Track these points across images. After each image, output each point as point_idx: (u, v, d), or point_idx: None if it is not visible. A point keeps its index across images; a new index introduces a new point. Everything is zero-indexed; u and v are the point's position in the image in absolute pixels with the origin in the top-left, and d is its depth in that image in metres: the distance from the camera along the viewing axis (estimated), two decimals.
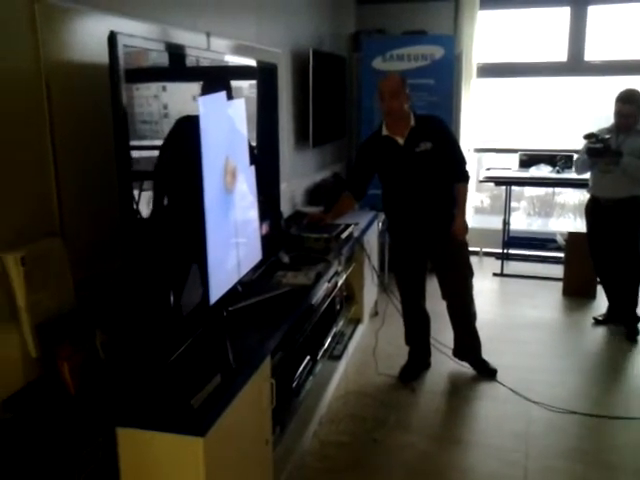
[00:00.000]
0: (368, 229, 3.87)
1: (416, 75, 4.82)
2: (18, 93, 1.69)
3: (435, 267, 3.38)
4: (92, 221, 1.98)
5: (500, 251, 5.45)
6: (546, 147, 5.67)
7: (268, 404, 2.14)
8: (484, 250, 5.72)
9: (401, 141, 3.14)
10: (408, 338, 3.51)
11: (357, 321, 3.94)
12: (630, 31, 5.23)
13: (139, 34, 1.87)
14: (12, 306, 1.66)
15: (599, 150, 3.75)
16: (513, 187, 5.46)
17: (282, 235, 3.14)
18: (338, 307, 3.46)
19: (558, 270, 5.02)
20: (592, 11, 5.22)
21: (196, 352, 1.93)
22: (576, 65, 5.36)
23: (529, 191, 6.70)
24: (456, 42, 5.16)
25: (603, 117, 4.09)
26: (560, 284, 4.81)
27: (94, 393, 1.69)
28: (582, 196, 5.37)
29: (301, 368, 2.80)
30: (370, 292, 4.10)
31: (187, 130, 1.92)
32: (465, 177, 3.25)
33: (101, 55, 1.82)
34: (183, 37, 2.46)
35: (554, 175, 5.18)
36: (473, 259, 3.40)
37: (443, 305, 3.42)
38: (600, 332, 4.09)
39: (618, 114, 3.77)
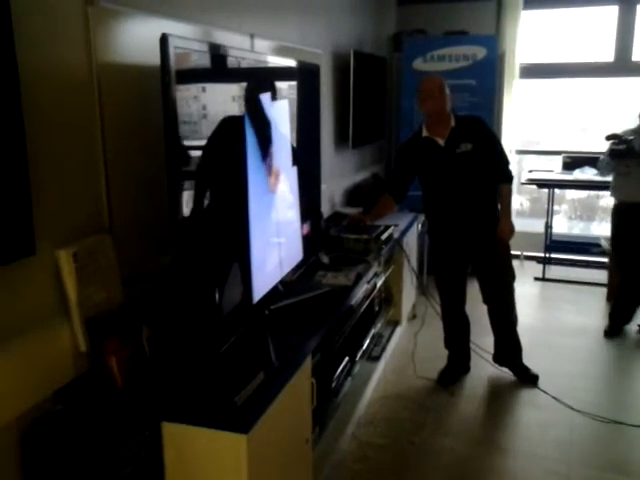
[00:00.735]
0: (407, 231, 3.85)
1: (457, 76, 4.78)
2: (72, 94, 1.73)
3: (477, 270, 3.33)
4: (139, 219, 2.03)
5: (542, 255, 5.34)
6: (590, 149, 5.54)
7: (309, 403, 2.15)
8: (525, 254, 5.62)
9: (441, 142, 3.11)
10: (447, 342, 3.47)
11: (395, 323, 3.92)
12: None
13: (187, 36, 1.90)
14: (64, 301, 1.71)
15: (622, 151, 3.69)
16: (555, 190, 5.35)
17: (322, 236, 3.15)
18: (377, 309, 3.45)
19: (601, 275, 4.90)
20: None
21: (239, 349, 1.95)
22: (623, 65, 5.22)
23: (570, 194, 6.56)
24: (498, 42, 5.08)
25: None
26: (604, 290, 4.69)
27: (140, 387, 1.72)
28: None
29: (340, 369, 2.80)
30: (409, 294, 4.08)
31: (232, 130, 1.94)
32: (508, 177, 3.20)
33: (147, 56, 1.87)
34: (228, 38, 2.49)
35: (599, 178, 5.05)
36: (514, 263, 3.34)
37: (483, 308, 3.38)
38: None
39: None
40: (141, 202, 2.03)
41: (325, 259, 2.96)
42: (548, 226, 5.33)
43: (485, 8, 5.31)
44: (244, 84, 2.06)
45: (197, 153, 1.78)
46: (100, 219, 1.87)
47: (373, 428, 2.92)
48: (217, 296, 1.84)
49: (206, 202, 1.83)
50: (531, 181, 5.26)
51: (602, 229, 6.11)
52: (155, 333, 1.84)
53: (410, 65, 5.03)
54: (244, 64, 2.11)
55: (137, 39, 1.96)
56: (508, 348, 3.40)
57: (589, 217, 6.84)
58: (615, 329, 4.02)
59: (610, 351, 3.82)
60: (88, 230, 1.80)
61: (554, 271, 5.33)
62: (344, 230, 3.35)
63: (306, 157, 2.75)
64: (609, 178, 4.06)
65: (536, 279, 5.19)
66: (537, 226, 5.48)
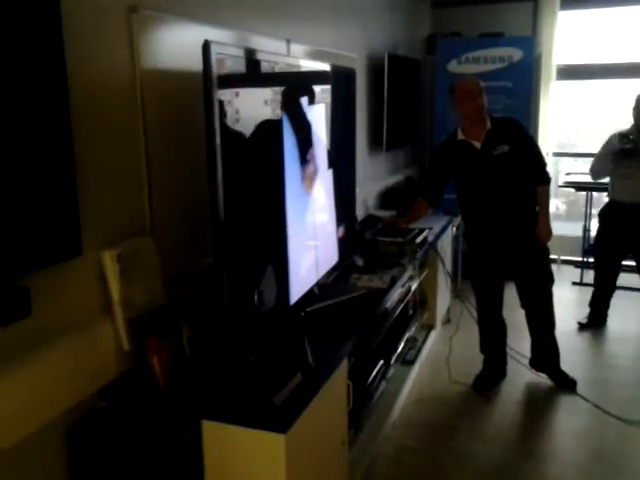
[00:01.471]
0: (442, 234, 3.83)
1: (493, 78, 4.73)
2: (116, 100, 1.79)
3: (514, 274, 3.28)
4: (180, 221, 2.07)
5: (579, 259, 5.24)
6: None
7: (345, 405, 2.15)
8: (562, 258, 5.52)
9: (478, 145, 3.09)
10: (483, 346, 3.43)
11: (430, 327, 3.89)
12: None
13: (226, 42, 1.94)
14: (107, 301, 1.76)
15: (630, 151, 3.65)
16: (593, 193, 5.25)
17: (357, 238, 3.16)
18: (411, 312, 3.44)
19: None
20: None
21: (276, 351, 1.97)
22: None
23: None
24: (535, 44, 5.02)
25: None
26: None
27: (181, 386, 1.76)
28: None
29: (375, 372, 2.80)
30: (443, 298, 4.05)
31: (270, 133, 1.97)
32: (546, 179, 3.16)
33: (187, 62, 1.92)
34: (265, 44, 2.52)
35: None
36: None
37: (520, 313, 3.33)
38: None
39: None
40: (182, 204, 2.07)
41: (360, 262, 2.97)
42: (586, 229, 5.23)
43: (521, 9, 5.25)
44: (280, 88, 2.08)
45: (237, 155, 1.81)
46: (142, 222, 1.92)
47: (408, 431, 2.91)
48: (255, 297, 1.87)
49: (244, 204, 1.86)
50: (568, 184, 5.17)
51: None
52: (195, 334, 1.87)
53: (444, 67, 5.00)
54: (281, 69, 2.14)
55: (177, 45, 2.00)
56: (546, 353, 3.34)
57: None
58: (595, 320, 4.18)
59: None
60: (131, 232, 1.85)
61: (592, 275, 5.20)
62: (378, 233, 3.35)
63: (342, 160, 2.77)
64: (605, 180, 4.07)
65: (574, 283, 5.09)
66: (574, 230, 5.37)
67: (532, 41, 4.99)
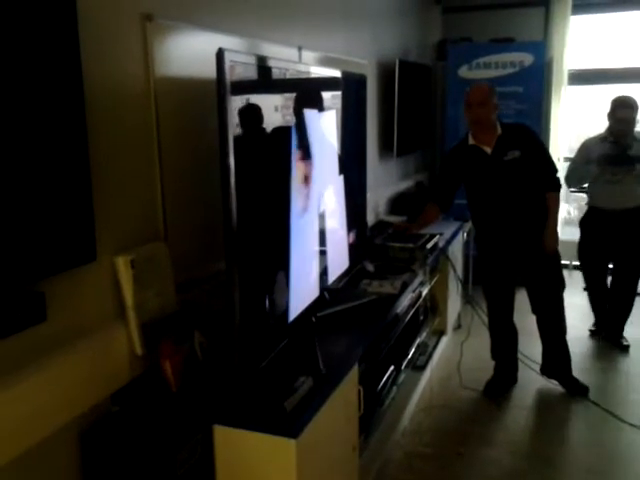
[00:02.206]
0: (453, 240, 3.82)
1: (504, 83, 4.73)
2: (131, 107, 1.81)
3: (525, 280, 3.27)
4: (193, 227, 2.09)
5: None
6: None
7: (356, 410, 2.16)
8: (574, 263, 5.48)
9: (488, 150, 3.09)
10: (494, 352, 3.42)
11: (440, 333, 3.89)
12: None
13: (238, 49, 1.95)
14: (121, 305, 1.77)
15: (615, 156, 3.62)
16: None
17: (367, 244, 3.16)
18: (422, 318, 3.44)
19: None
20: None
21: (287, 356, 1.98)
22: None
23: None
24: (546, 49, 5.01)
25: None
26: None
27: (193, 391, 1.77)
28: None
29: (385, 377, 2.80)
30: (454, 304, 4.04)
31: (280, 140, 1.98)
32: (556, 185, 3.15)
33: (200, 69, 1.93)
34: (277, 51, 2.54)
35: None
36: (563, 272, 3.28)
37: (531, 318, 3.32)
38: None
39: (620, 120, 3.66)
40: (195, 210, 2.09)
41: (370, 267, 2.98)
42: None
43: (533, 14, 5.24)
44: (292, 95, 2.10)
45: (249, 162, 1.83)
46: (156, 227, 1.94)
47: (418, 437, 2.91)
48: (267, 303, 1.88)
49: (254, 210, 1.87)
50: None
51: None
52: (207, 338, 1.89)
53: (455, 73, 5.01)
54: (293, 76, 2.15)
55: (190, 53, 2.02)
56: (557, 359, 3.32)
57: None
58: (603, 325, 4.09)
59: None
60: (144, 238, 1.87)
61: None
62: (389, 238, 3.36)
63: (353, 166, 2.78)
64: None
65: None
66: None
67: (543, 46, 4.98)
